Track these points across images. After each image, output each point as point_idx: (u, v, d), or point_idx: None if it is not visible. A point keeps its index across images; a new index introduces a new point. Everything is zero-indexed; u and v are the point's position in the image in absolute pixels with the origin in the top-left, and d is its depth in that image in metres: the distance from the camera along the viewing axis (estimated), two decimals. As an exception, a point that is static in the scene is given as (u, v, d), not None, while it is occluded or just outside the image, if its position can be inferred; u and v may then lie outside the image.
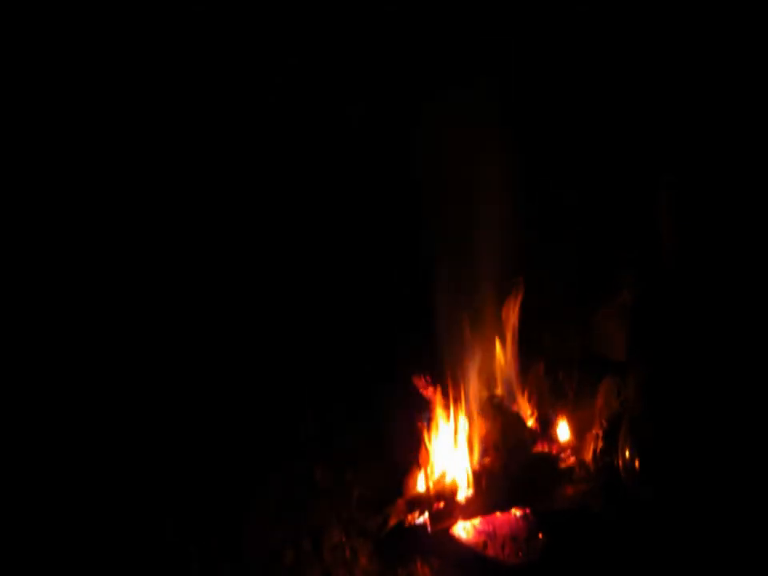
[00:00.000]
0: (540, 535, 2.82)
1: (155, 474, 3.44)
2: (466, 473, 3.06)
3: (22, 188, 4.03)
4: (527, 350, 3.52)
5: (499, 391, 3.40)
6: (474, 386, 3.33)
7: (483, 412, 3.25)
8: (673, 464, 2.87)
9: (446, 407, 3.20)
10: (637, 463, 2.94)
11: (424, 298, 3.41)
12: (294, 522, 3.14)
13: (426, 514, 2.96)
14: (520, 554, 2.78)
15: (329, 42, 4.28)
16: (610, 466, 3.06)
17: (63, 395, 3.74)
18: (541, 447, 3.31)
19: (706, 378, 2.97)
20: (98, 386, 3.80)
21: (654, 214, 3.49)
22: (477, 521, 2.95)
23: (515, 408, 3.37)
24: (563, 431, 3.36)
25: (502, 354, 3.43)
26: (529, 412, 3.39)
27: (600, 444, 3.14)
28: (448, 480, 3.07)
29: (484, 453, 3.19)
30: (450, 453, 3.15)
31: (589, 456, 3.17)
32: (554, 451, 3.29)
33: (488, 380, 3.41)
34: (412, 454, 3.19)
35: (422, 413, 3.25)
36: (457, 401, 3.20)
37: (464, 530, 2.94)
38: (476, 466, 3.13)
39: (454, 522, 2.96)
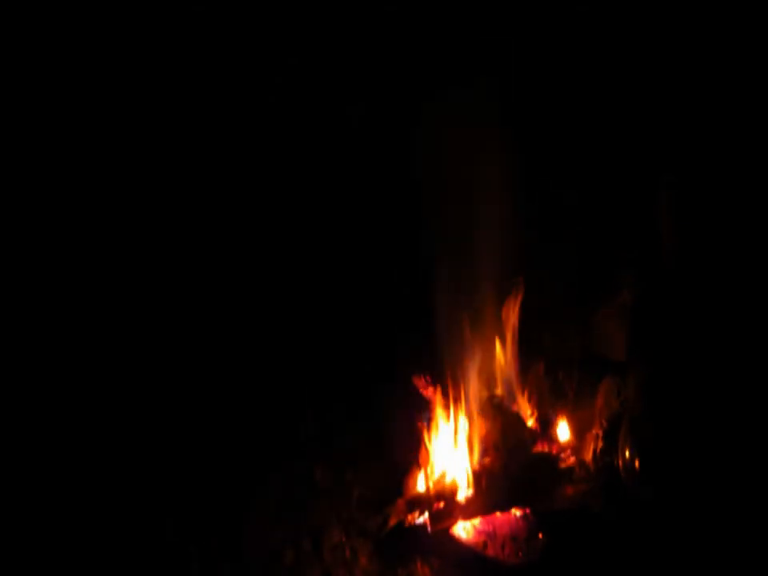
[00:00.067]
0: (540, 535, 2.82)
1: (155, 474, 3.44)
2: (465, 473, 3.06)
3: (22, 188, 4.03)
4: (527, 350, 3.52)
5: (499, 391, 3.40)
6: (474, 386, 3.33)
7: (483, 412, 3.25)
8: (673, 464, 2.87)
9: (446, 407, 3.20)
10: (637, 463, 2.94)
11: (424, 298, 3.40)
12: (293, 522, 3.14)
13: (426, 514, 2.95)
14: (520, 554, 2.78)
15: (329, 42, 4.28)
16: (609, 466, 3.06)
17: (63, 395, 3.74)
18: (541, 447, 3.30)
19: (705, 377, 2.97)
20: (98, 386, 3.80)
21: (654, 213, 3.49)
22: (477, 521, 2.95)
23: (515, 408, 3.37)
24: (563, 431, 3.36)
25: (502, 354, 3.43)
26: (529, 412, 3.39)
27: (600, 444, 3.14)
28: (448, 480, 3.07)
29: (484, 453, 3.19)
30: (449, 453, 3.15)
31: (589, 456, 3.17)
32: (554, 451, 3.29)
33: (488, 380, 3.41)
34: (412, 454, 3.19)
35: (422, 413, 3.24)
36: (457, 401, 3.20)
37: (464, 529, 2.94)
38: (476, 466, 3.13)
39: (454, 522, 2.95)
